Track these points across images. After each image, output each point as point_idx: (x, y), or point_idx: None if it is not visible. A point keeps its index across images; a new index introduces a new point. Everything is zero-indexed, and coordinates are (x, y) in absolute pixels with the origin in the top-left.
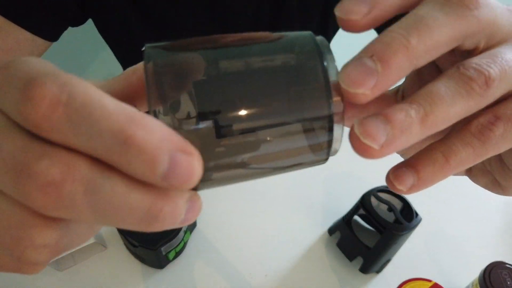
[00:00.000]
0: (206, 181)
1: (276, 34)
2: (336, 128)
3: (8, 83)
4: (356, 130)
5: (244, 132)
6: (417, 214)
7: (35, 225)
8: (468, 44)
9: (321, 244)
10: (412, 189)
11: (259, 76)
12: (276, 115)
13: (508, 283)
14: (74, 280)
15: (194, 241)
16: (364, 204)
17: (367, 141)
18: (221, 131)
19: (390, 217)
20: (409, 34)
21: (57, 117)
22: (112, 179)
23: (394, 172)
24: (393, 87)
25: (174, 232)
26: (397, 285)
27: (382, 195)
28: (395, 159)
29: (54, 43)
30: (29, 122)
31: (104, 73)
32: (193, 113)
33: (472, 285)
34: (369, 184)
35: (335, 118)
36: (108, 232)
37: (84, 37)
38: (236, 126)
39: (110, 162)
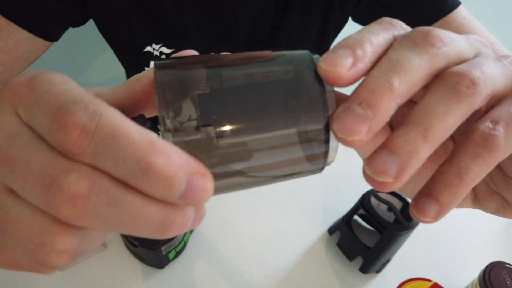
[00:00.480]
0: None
1: (275, 53)
2: (332, 139)
3: (37, 105)
4: (368, 171)
5: (246, 143)
6: None
7: (57, 233)
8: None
9: (321, 244)
10: (438, 216)
11: (259, 91)
12: (276, 127)
13: (508, 283)
14: (74, 280)
15: (194, 241)
16: (364, 204)
17: (380, 179)
18: (223, 142)
19: (390, 217)
20: (391, 78)
21: (87, 144)
22: (132, 193)
23: (416, 206)
24: None
25: None
26: (397, 285)
27: (382, 195)
28: None
29: (54, 43)
30: (61, 147)
31: (104, 73)
32: (196, 122)
33: (472, 285)
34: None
35: (331, 130)
36: None
37: (85, 37)
38: (238, 138)
39: (132, 185)
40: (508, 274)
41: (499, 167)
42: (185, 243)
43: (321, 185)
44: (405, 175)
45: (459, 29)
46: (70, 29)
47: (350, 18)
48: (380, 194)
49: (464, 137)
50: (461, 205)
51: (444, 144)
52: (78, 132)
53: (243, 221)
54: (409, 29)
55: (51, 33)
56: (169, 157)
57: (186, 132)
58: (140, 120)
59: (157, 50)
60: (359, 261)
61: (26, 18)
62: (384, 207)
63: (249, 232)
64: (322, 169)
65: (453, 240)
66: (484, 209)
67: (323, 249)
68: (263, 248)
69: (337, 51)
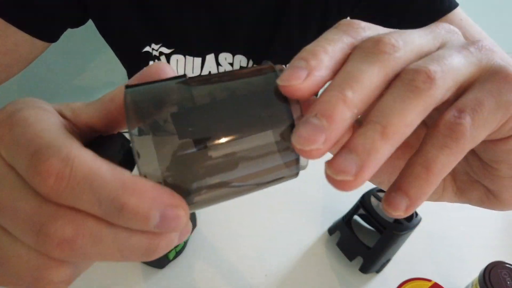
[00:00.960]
0: (190, 205)
1: (243, 71)
2: None
3: (16, 148)
4: (328, 172)
5: (219, 155)
6: (417, 214)
7: (52, 267)
8: None
9: (321, 244)
10: (409, 210)
11: (228, 106)
12: (247, 139)
13: (508, 283)
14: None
15: (194, 241)
16: (364, 204)
17: (340, 177)
18: (196, 156)
19: (390, 217)
20: (344, 89)
21: (63, 188)
22: (114, 229)
23: (386, 200)
24: None
25: None
26: (397, 285)
27: (382, 194)
28: None
29: (54, 43)
30: (40, 192)
31: (103, 73)
32: (167, 140)
33: (472, 285)
34: (369, 184)
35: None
36: None
37: (84, 37)
38: (211, 151)
39: (111, 222)
40: (508, 274)
41: (476, 155)
42: (185, 243)
43: (321, 185)
44: (365, 172)
45: None
46: (70, 29)
47: (348, 18)
48: (380, 194)
49: (431, 128)
50: (444, 199)
51: (418, 135)
52: (53, 179)
53: (243, 221)
54: (368, 28)
55: (50, 34)
56: (141, 195)
57: (159, 149)
58: (118, 139)
59: (157, 50)
60: (359, 261)
61: (24, 20)
62: None
63: (249, 232)
64: (297, 174)
65: (453, 240)
66: (469, 200)
67: (323, 249)
68: (263, 248)
69: (292, 64)
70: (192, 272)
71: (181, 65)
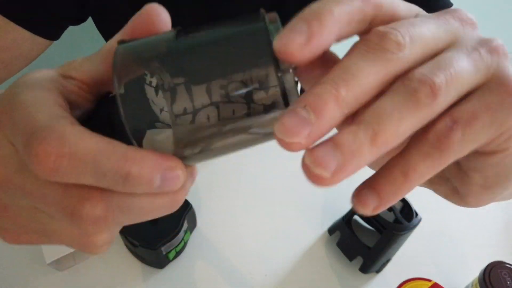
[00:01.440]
0: (187, 159)
1: (232, 21)
2: (292, 100)
3: (16, 131)
4: (307, 160)
5: (207, 103)
6: (417, 214)
7: (93, 234)
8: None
9: (321, 244)
10: (377, 210)
11: (213, 51)
12: (233, 82)
13: (508, 283)
14: (74, 280)
15: (194, 241)
16: None
17: (317, 171)
18: (186, 104)
19: (390, 217)
20: (338, 86)
21: (64, 167)
22: (136, 197)
23: (357, 195)
24: None
25: (174, 232)
26: (397, 285)
27: None
28: None
29: (57, 42)
30: (40, 175)
31: None
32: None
33: (472, 285)
34: None
35: (282, 68)
36: None
37: (84, 35)
38: (198, 99)
39: (119, 191)
40: (508, 274)
41: (456, 161)
42: (185, 243)
43: None
44: (342, 173)
45: None
46: (70, 27)
47: None
48: None
49: (420, 133)
50: None
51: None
52: (52, 159)
53: (243, 221)
54: None
55: (50, 32)
56: (142, 163)
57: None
58: (104, 110)
59: None
60: (359, 261)
61: (25, 17)
62: None
63: (248, 232)
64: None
65: (453, 240)
66: (435, 191)
67: (323, 249)
68: (263, 248)
69: (293, 27)
70: (192, 272)
71: None
